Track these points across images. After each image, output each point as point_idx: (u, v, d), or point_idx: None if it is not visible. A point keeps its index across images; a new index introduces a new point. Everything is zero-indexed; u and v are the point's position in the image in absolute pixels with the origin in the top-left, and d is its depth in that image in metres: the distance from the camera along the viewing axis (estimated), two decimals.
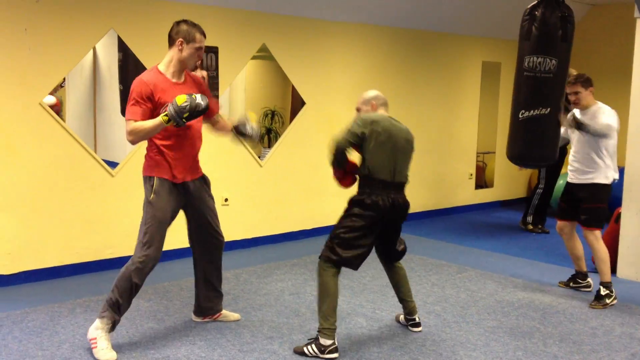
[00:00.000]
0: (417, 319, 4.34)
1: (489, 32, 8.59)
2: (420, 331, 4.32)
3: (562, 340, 4.23)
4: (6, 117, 5.00)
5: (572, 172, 5.11)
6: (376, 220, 3.92)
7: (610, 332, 4.40)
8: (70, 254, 5.41)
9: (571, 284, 5.35)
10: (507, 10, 8.00)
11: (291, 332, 4.23)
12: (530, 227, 7.75)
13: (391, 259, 4.26)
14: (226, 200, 6.36)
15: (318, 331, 3.88)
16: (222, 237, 4.23)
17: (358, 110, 4.20)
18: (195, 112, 3.68)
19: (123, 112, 6.65)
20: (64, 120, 6.77)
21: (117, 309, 3.80)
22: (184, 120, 3.67)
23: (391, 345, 4.05)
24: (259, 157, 6.74)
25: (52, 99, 6.49)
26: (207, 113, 3.98)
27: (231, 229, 6.45)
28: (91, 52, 6.76)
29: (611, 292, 4.91)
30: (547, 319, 4.61)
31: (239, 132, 4.25)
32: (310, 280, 5.42)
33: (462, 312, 4.71)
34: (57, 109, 6.55)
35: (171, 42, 3.86)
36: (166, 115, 3.66)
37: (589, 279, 5.33)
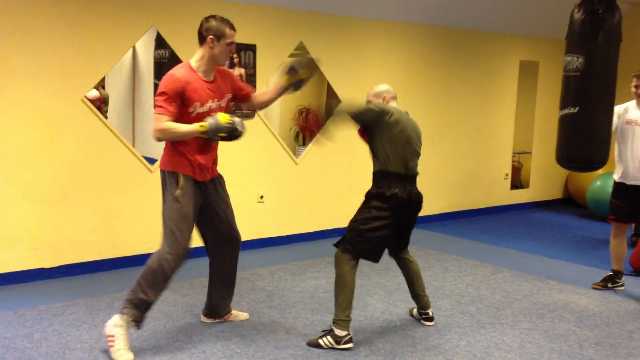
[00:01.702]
0: (430, 313, 4.42)
1: (527, 30, 8.50)
2: (433, 325, 4.39)
3: (599, 343, 4.19)
4: (49, 112, 5.12)
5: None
6: (394, 213, 4.00)
7: None
8: (109, 249, 5.51)
9: (609, 285, 5.30)
10: (545, 8, 7.92)
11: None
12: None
13: (401, 247, 4.32)
14: (262, 197, 6.41)
15: (333, 322, 3.97)
16: (239, 234, 4.16)
17: (368, 102, 4.21)
18: (231, 135, 3.73)
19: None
20: (105, 116, 6.84)
21: (142, 306, 3.74)
22: (217, 137, 3.72)
23: (425, 345, 4.05)
24: (295, 154, 6.78)
25: (95, 93, 6.53)
26: (243, 97, 4.03)
27: (266, 226, 6.51)
28: (131, 49, 6.87)
29: None
30: (583, 322, 4.56)
31: (293, 74, 4.04)
32: None
33: (497, 313, 4.69)
34: (98, 104, 6.61)
35: (202, 39, 3.80)
36: (203, 126, 3.68)
37: (623, 278, 5.36)
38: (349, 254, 3.99)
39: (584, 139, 4.47)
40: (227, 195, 4.10)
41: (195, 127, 3.69)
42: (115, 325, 3.71)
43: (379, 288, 5.18)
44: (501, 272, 5.79)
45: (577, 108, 4.40)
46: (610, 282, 5.31)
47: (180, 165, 3.81)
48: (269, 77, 6.44)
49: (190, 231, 3.86)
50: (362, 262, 5.93)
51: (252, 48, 6.14)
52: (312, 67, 4.10)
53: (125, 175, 5.53)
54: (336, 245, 4.10)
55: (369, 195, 4.07)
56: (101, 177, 5.42)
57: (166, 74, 3.77)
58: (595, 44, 4.32)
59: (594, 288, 5.33)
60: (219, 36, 3.78)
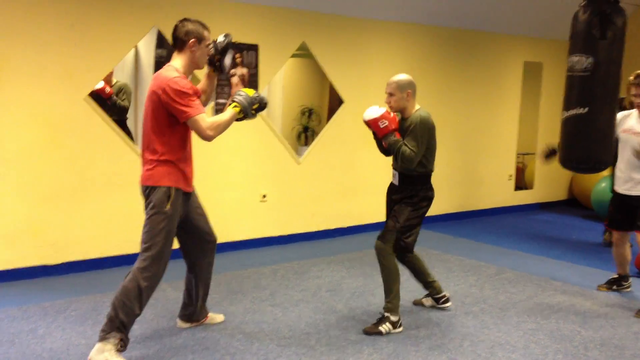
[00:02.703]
0: (447, 295, 4.72)
1: (531, 31, 8.49)
2: (450, 306, 4.69)
3: (604, 344, 4.16)
4: (52, 111, 5.12)
5: (630, 183, 4.98)
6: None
7: None
8: (112, 246, 5.51)
9: (614, 287, 5.27)
10: (549, 9, 7.91)
11: (328, 329, 4.24)
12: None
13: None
14: (264, 196, 6.40)
15: (388, 310, 4.23)
16: (215, 236, 4.07)
17: (391, 94, 4.22)
18: (262, 104, 3.74)
19: None
20: (121, 106, 6.71)
21: (123, 327, 3.53)
22: (253, 111, 3.69)
23: (428, 345, 4.03)
24: (297, 154, 6.77)
25: (101, 84, 6.43)
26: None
27: (268, 225, 6.50)
28: (133, 48, 6.86)
29: None
30: (588, 323, 4.54)
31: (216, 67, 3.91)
32: (347, 277, 5.43)
33: (501, 313, 4.67)
34: (106, 94, 6.45)
35: (181, 44, 3.64)
36: (236, 106, 3.64)
37: (630, 280, 5.32)
38: (396, 250, 4.26)
39: (589, 140, 4.45)
40: (198, 198, 3.99)
41: (231, 110, 3.65)
42: (102, 351, 3.47)
43: (380, 289, 5.15)
44: (505, 272, 5.77)
45: (586, 109, 4.38)
46: (615, 285, 5.28)
47: (172, 178, 3.62)
48: (271, 77, 6.43)
49: (171, 249, 3.71)
50: (364, 262, 5.95)
51: (254, 48, 6.13)
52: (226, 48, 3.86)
53: (127, 174, 5.51)
54: (381, 240, 4.27)
55: (417, 196, 4.25)
56: (104, 175, 5.42)
57: (170, 78, 3.52)
58: (604, 44, 4.31)
59: (599, 290, 5.31)
60: (200, 39, 3.66)
